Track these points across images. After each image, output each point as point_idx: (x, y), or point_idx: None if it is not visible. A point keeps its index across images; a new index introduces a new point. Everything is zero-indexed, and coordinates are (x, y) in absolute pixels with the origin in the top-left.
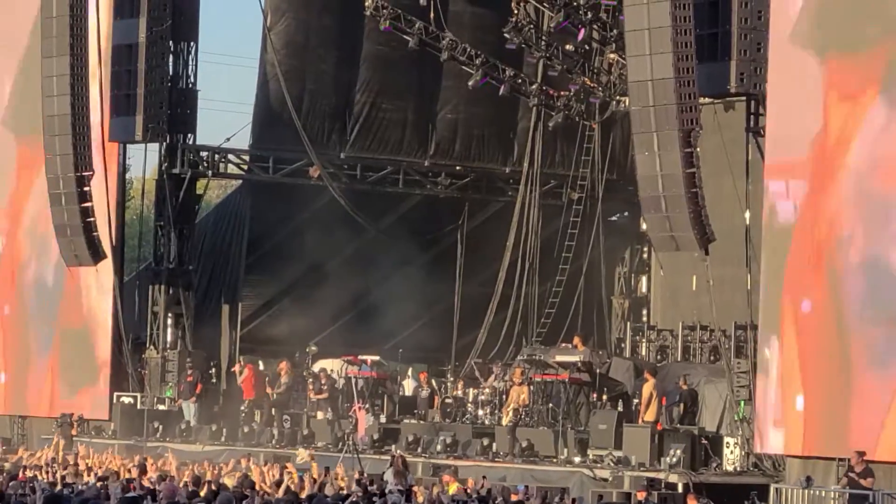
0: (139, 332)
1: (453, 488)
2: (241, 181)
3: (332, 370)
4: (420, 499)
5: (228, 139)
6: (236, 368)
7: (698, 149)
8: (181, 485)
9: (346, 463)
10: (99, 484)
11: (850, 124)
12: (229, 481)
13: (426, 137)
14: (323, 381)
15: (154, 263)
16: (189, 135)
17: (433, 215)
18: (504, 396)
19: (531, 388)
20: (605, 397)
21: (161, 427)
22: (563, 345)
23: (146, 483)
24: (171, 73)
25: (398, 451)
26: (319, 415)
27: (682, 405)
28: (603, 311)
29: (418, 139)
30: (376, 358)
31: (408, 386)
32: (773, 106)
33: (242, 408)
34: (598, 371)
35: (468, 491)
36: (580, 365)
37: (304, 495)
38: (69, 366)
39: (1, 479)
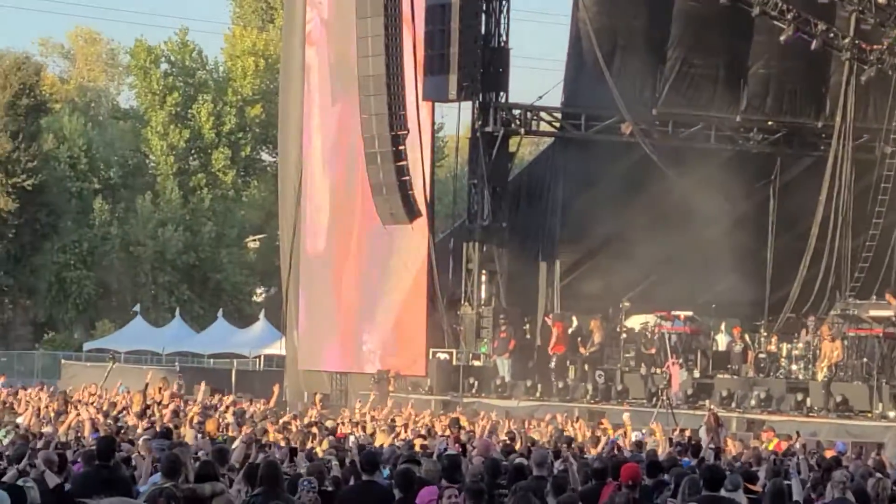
0: (454, 289)
1: (773, 444)
2: (553, 139)
3: (644, 324)
4: (734, 452)
5: (541, 97)
6: (549, 319)
7: None
8: (497, 441)
9: (661, 418)
10: (418, 441)
11: None
12: (542, 437)
13: (737, 93)
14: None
15: (468, 221)
16: (501, 93)
17: (745, 170)
18: (817, 351)
19: (844, 343)
20: None
21: (476, 383)
22: (877, 300)
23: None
24: (483, 31)
25: (711, 408)
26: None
27: None
28: None
29: (729, 95)
30: (689, 313)
31: (721, 341)
32: None
33: (551, 364)
34: None
35: (790, 447)
36: (894, 320)
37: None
38: (386, 322)
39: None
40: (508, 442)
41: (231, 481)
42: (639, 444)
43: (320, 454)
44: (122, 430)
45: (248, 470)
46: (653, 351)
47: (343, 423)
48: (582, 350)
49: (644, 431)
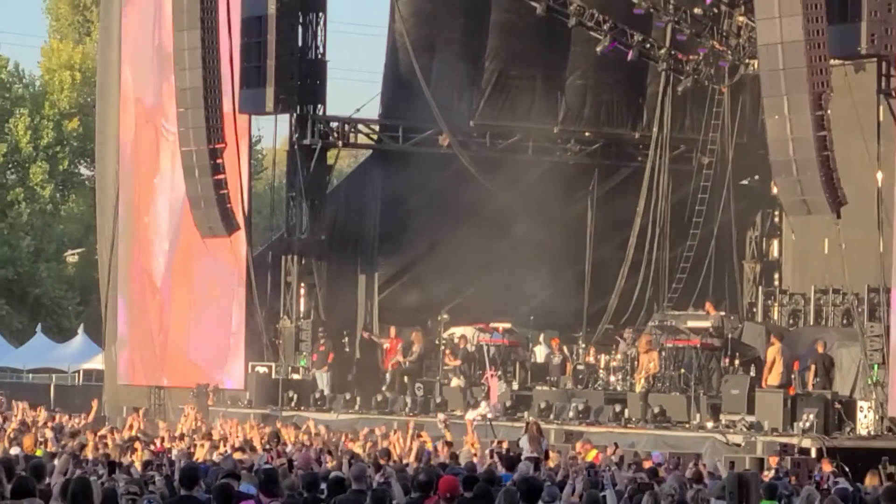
0: (273, 303)
1: (591, 455)
2: (371, 151)
3: (462, 336)
4: (552, 464)
5: (358, 109)
6: (369, 336)
7: (829, 111)
8: (316, 454)
9: (479, 430)
10: (237, 455)
11: None
12: (361, 450)
13: (555, 104)
14: (461, 347)
15: (286, 234)
16: (319, 105)
17: (563, 182)
18: (635, 362)
19: (662, 353)
20: (737, 362)
21: (296, 396)
22: (695, 310)
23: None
24: (300, 44)
25: (531, 418)
26: (454, 381)
27: (815, 367)
28: (734, 276)
29: (547, 106)
30: (508, 325)
31: (539, 353)
32: None
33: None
34: (729, 336)
35: (605, 458)
36: (711, 330)
37: (437, 463)
38: (205, 336)
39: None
40: (327, 456)
41: (48, 497)
42: (454, 456)
43: (139, 468)
44: None
45: (64, 485)
46: (459, 362)
47: (162, 437)
48: (401, 359)
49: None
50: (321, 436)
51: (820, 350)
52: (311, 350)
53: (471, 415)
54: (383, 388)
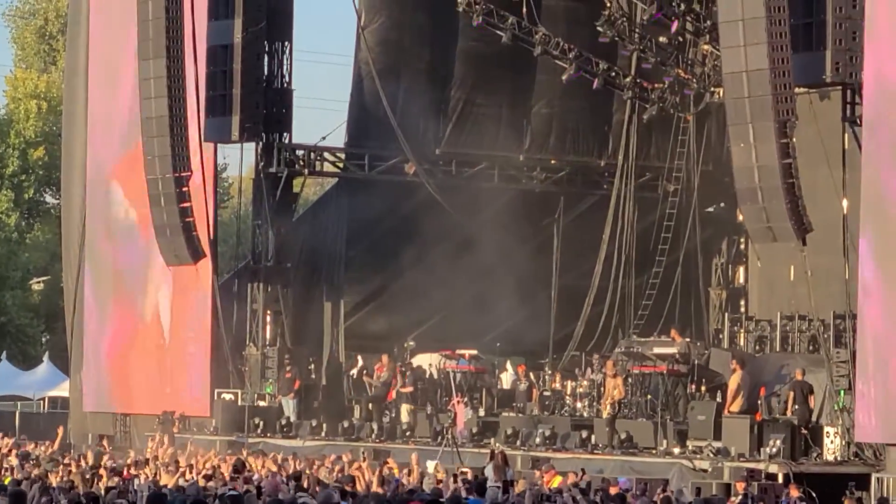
0: (239, 330)
1: (556, 482)
2: (337, 179)
3: (430, 364)
4: (518, 490)
5: (324, 138)
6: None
7: (794, 139)
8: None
9: (445, 457)
10: (202, 481)
11: None
12: (329, 476)
13: (521, 132)
14: (408, 374)
15: (252, 262)
16: (285, 134)
17: (529, 209)
18: (602, 389)
19: (629, 380)
20: (703, 388)
21: (262, 423)
22: (661, 337)
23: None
24: (266, 72)
25: (498, 446)
26: (404, 409)
27: (793, 395)
28: (700, 303)
29: (513, 134)
30: (474, 352)
31: (506, 379)
32: None
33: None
34: (695, 362)
35: (570, 484)
36: (678, 356)
37: (404, 490)
38: (170, 363)
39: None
40: (294, 483)
41: None
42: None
43: (104, 495)
44: None
45: None
46: (410, 388)
47: (128, 465)
48: (368, 380)
49: None
50: (287, 463)
51: (799, 377)
52: (277, 377)
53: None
54: (385, 420)
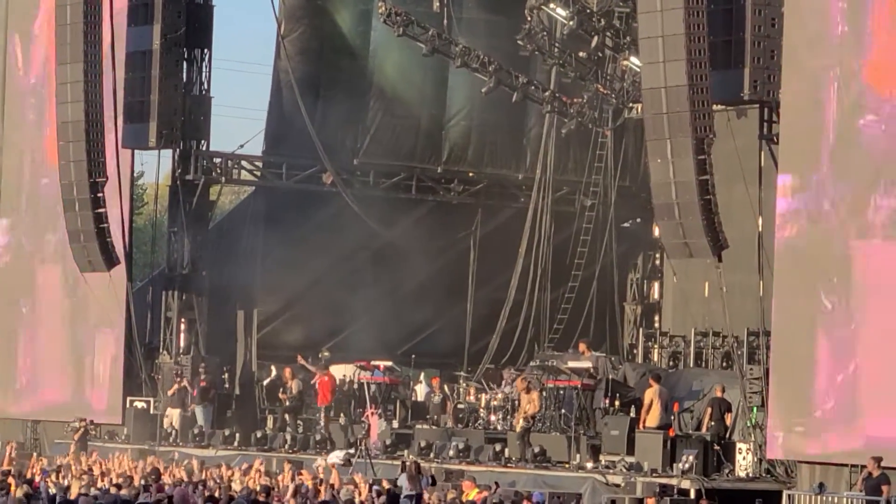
0: (152, 338)
1: (473, 494)
2: (254, 187)
3: (344, 375)
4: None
5: (242, 146)
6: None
7: (711, 156)
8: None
9: (359, 468)
10: (114, 490)
11: None
12: (239, 486)
13: (439, 144)
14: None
15: (167, 269)
16: (202, 141)
17: (446, 221)
18: (516, 402)
19: (543, 394)
20: (617, 403)
21: (174, 432)
22: (573, 351)
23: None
24: (184, 79)
25: (410, 458)
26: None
27: (711, 411)
28: (615, 317)
29: (431, 146)
30: (389, 363)
31: (420, 391)
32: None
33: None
34: (609, 377)
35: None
36: (592, 371)
37: (318, 500)
38: (82, 369)
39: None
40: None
41: None
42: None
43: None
44: None
45: None
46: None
47: (37, 472)
48: (282, 396)
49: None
50: (198, 472)
51: (718, 394)
52: (190, 385)
53: (331, 459)
54: (320, 427)
